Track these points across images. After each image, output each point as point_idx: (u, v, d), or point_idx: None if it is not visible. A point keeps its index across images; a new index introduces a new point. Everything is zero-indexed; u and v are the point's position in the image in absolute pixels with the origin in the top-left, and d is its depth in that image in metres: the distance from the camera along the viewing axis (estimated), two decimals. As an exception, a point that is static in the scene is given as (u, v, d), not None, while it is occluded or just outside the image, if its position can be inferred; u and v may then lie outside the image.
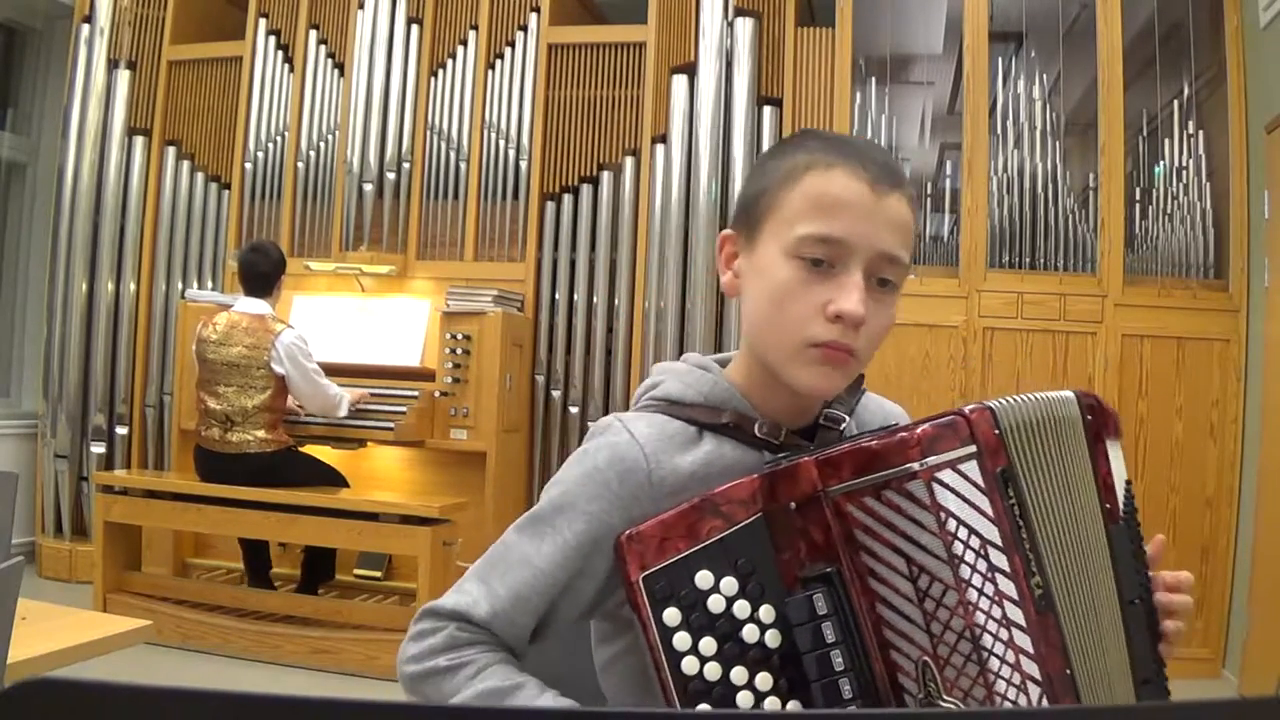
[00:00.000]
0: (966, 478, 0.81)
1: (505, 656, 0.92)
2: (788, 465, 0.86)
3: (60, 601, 1.98)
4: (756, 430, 0.95)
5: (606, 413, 4.31)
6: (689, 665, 0.82)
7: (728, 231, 1.01)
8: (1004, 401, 0.85)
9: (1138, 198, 3.86)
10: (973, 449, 0.81)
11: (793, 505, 0.84)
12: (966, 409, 0.83)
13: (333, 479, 3.84)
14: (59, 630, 1.68)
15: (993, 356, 3.85)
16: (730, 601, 0.84)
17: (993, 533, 0.81)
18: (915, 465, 0.80)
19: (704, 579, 0.84)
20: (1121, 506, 0.93)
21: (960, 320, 3.89)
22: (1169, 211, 3.82)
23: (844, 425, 0.99)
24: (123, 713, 0.39)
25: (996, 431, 0.83)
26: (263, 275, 3.74)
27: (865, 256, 0.90)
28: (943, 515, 0.80)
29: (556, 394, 4.42)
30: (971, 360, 3.86)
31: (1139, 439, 3.73)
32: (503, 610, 0.91)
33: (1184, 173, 3.81)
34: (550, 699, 0.87)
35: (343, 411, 3.84)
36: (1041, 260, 3.88)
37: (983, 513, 0.81)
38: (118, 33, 4.83)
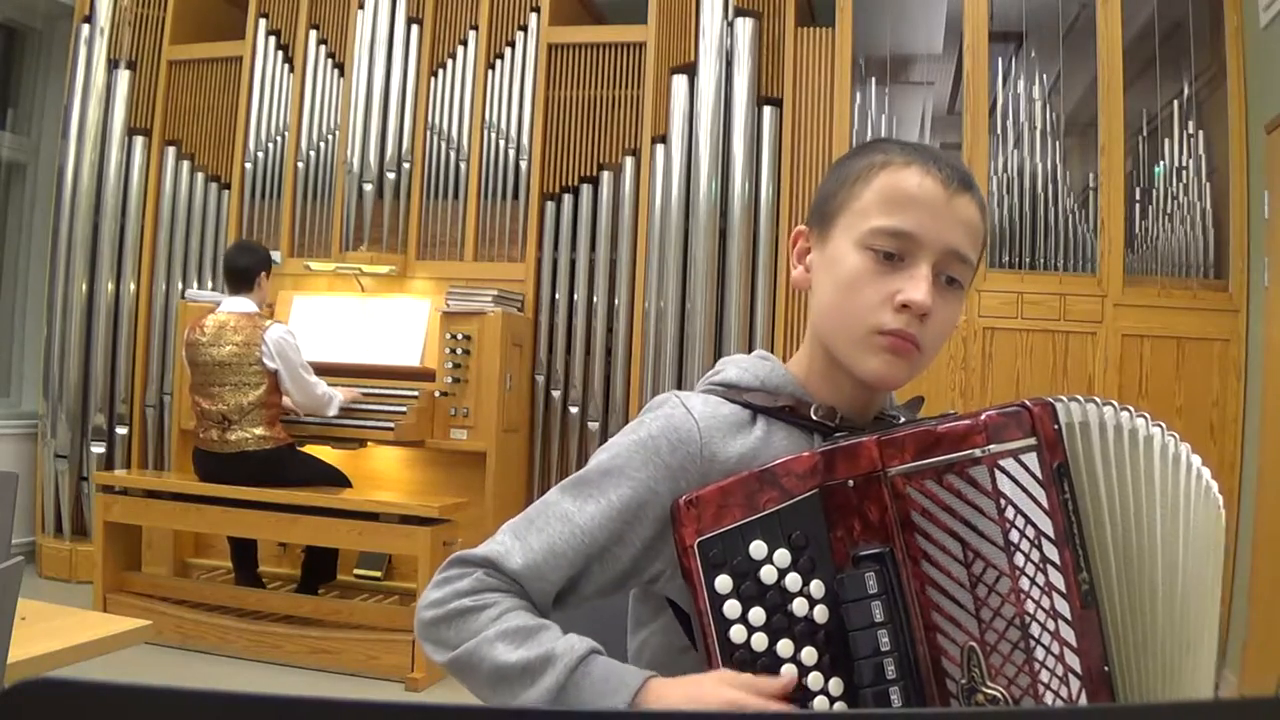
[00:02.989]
0: (1027, 468, 0.82)
1: (529, 605, 0.92)
2: (849, 443, 0.86)
3: (60, 601, 1.98)
4: (813, 413, 0.96)
5: (607, 413, 4.33)
6: (737, 634, 0.83)
7: (801, 227, 1.04)
8: (1067, 401, 0.87)
9: (1138, 198, 3.86)
10: (1034, 441, 0.83)
11: (850, 483, 0.85)
12: (1028, 401, 0.85)
13: (334, 478, 3.84)
14: (59, 630, 1.68)
15: (993, 356, 3.85)
16: (782, 573, 0.84)
17: (1047, 525, 0.82)
18: (979, 451, 0.81)
19: (758, 549, 0.84)
20: None
21: (960, 320, 3.88)
22: (1169, 211, 3.82)
23: (901, 423, 1.00)
24: (123, 713, 0.39)
25: (1056, 427, 0.84)
26: (243, 270, 3.74)
27: (935, 252, 0.93)
28: (1003, 502, 0.81)
29: (556, 394, 4.42)
30: (971, 360, 3.86)
31: (1139, 439, 3.72)
32: (534, 563, 0.91)
33: (1184, 173, 3.81)
34: (575, 638, 0.88)
35: (332, 411, 3.84)
36: (1041, 260, 3.88)
37: (1040, 505, 0.82)
38: (118, 33, 4.83)
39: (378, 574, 4.11)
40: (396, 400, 4.06)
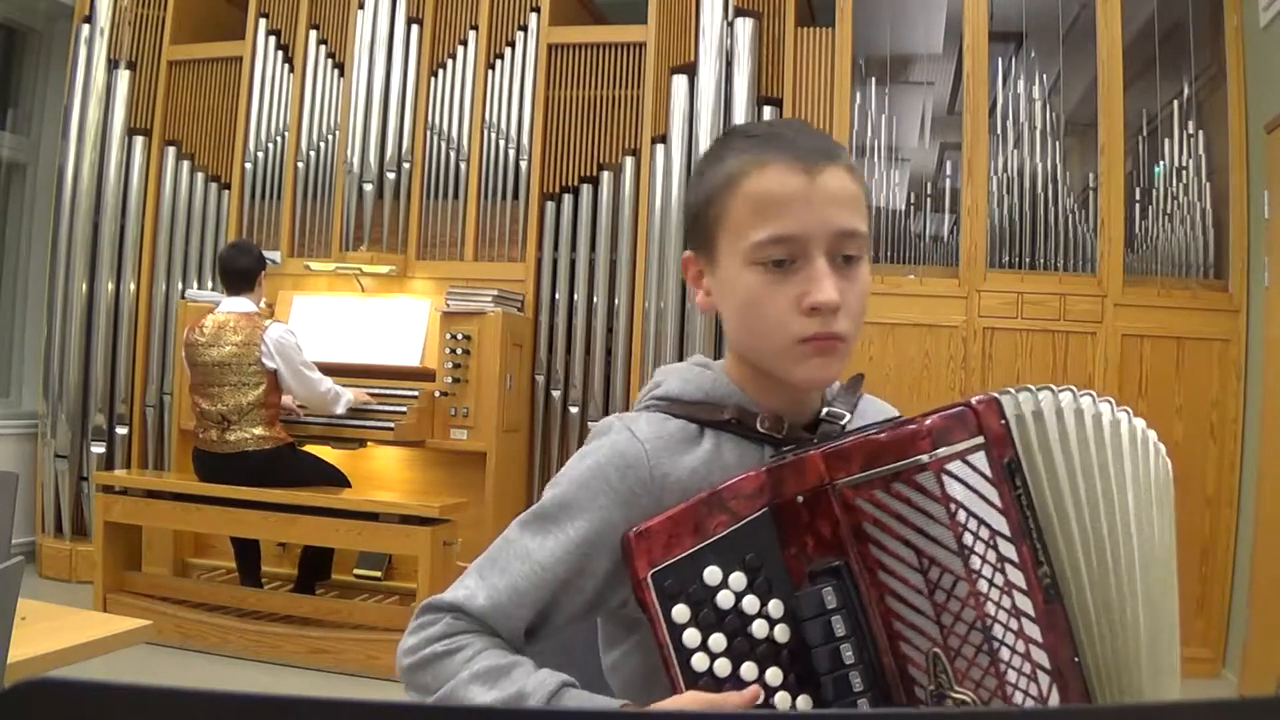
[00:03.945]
0: (975, 469, 0.81)
1: (500, 643, 0.92)
2: (794, 458, 0.85)
3: (60, 601, 1.98)
4: (759, 425, 0.95)
5: (606, 413, 4.32)
6: (699, 662, 0.82)
7: (687, 254, 1.01)
8: (1015, 392, 0.85)
9: (1138, 198, 3.86)
10: (980, 440, 0.82)
11: (799, 499, 0.84)
12: (973, 400, 0.83)
13: (334, 478, 3.84)
14: (59, 630, 1.68)
15: (993, 356, 3.85)
16: (739, 597, 0.84)
17: (1002, 524, 0.81)
18: (925, 457, 0.80)
19: (712, 575, 0.84)
20: None
21: (960, 320, 3.89)
22: (1169, 211, 3.82)
23: (845, 421, 0.99)
24: (123, 713, 0.39)
25: (1003, 422, 0.83)
26: (242, 271, 3.74)
27: (824, 241, 0.90)
28: (953, 506, 0.80)
29: (556, 394, 4.42)
30: (971, 360, 3.86)
31: (1139, 439, 3.73)
32: (500, 603, 0.91)
33: (1184, 173, 3.81)
34: (546, 674, 0.88)
35: (339, 409, 3.84)
36: (1041, 260, 3.88)
37: (992, 504, 0.81)
38: (118, 33, 4.83)
39: (378, 574, 4.11)
40: (396, 400, 4.06)
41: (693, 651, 0.82)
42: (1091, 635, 0.83)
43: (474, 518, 3.79)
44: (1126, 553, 0.86)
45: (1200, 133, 3.81)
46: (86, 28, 4.80)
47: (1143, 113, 3.89)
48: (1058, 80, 3.99)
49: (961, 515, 0.80)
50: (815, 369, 0.92)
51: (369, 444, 4.11)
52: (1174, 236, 3.80)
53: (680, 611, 0.83)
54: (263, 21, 4.78)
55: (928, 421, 0.81)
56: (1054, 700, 0.80)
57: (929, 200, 4.06)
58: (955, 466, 0.81)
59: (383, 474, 4.27)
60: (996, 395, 0.84)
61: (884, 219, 4.07)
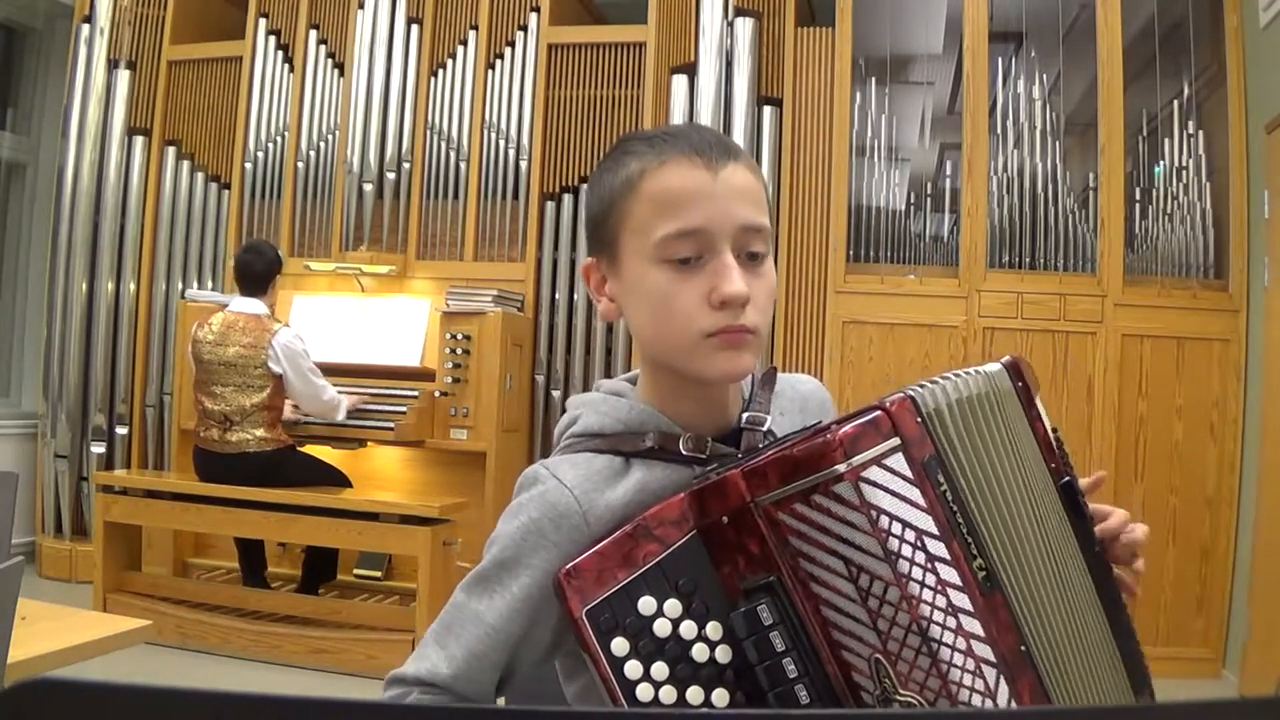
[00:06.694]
0: (894, 471, 0.80)
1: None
2: (715, 480, 0.85)
3: (60, 601, 1.98)
4: (682, 447, 0.95)
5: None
6: (643, 693, 0.82)
7: (589, 261, 1.01)
8: (926, 386, 0.85)
9: (1138, 198, 3.86)
10: (896, 441, 0.81)
11: (725, 519, 0.84)
12: (888, 400, 0.82)
13: (334, 478, 3.84)
14: (59, 630, 1.69)
15: (993, 357, 3.82)
16: (676, 623, 0.83)
17: (927, 523, 0.80)
18: (841, 467, 0.79)
19: (647, 605, 0.83)
20: (1060, 459, 0.95)
21: (960, 320, 3.89)
22: (1169, 211, 3.82)
23: (766, 425, 0.99)
24: (123, 713, 0.39)
25: (919, 420, 0.82)
26: (258, 275, 3.74)
27: (729, 235, 0.90)
28: (874, 513, 0.79)
29: (556, 394, 4.42)
30: (971, 360, 3.85)
31: (1139, 439, 3.73)
32: (462, 671, 0.91)
33: (1184, 173, 3.81)
34: None
35: (340, 415, 3.84)
36: (1041, 260, 3.89)
37: (915, 504, 0.80)
38: (118, 32, 4.83)
39: (378, 574, 4.12)
40: (396, 400, 4.07)
41: (636, 683, 0.82)
42: (1032, 618, 0.84)
43: (474, 518, 3.79)
44: (1038, 522, 0.87)
45: (1200, 133, 3.81)
46: (86, 28, 4.80)
47: (1143, 113, 3.89)
48: (1058, 80, 3.99)
49: (884, 521, 0.79)
50: (726, 362, 0.92)
51: (369, 444, 4.11)
52: (1174, 236, 3.81)
53: (619, 645, 0.82)
54: (263, 21, 4.78)
55: (840, 431, 0.80)
56: (1003, 692, 0.79)
57: (929, 200, 4.06)
58: (872, 472, 0.79)
59: (383, 474, 4.27)
60: (911, 392, 0.83)
61: (884, 219, 4.07)
